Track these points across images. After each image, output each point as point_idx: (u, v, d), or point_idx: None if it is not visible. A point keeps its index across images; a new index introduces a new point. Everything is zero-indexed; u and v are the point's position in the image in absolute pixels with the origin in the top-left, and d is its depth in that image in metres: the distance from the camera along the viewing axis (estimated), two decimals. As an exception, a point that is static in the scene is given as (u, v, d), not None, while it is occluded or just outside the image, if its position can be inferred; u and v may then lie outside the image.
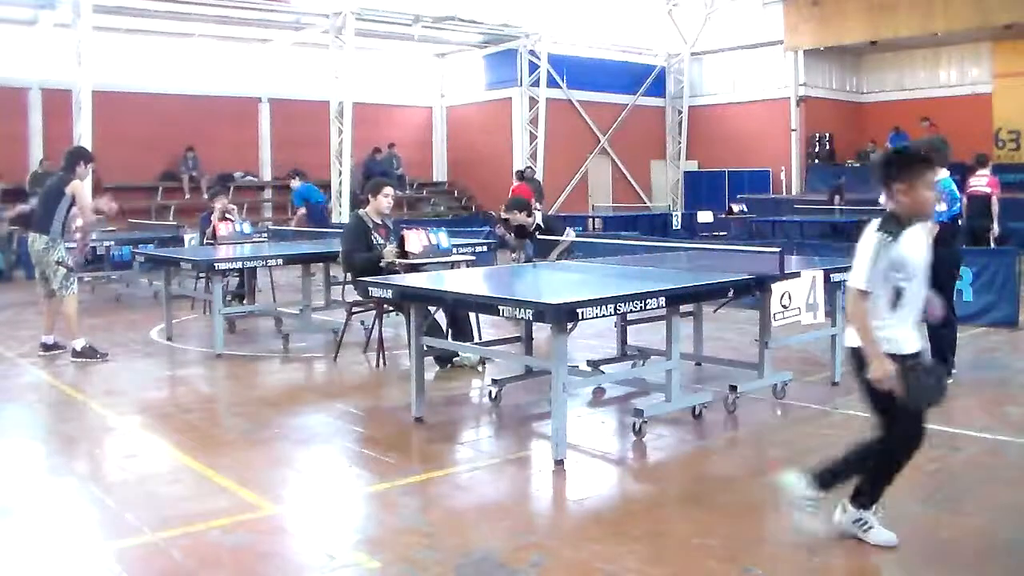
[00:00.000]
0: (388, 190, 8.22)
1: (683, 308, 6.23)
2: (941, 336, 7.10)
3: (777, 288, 6.06)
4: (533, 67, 23.52)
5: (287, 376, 8.08)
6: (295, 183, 14.96)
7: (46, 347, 8.63)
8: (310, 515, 4.59)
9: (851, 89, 26.54)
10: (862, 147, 25.19)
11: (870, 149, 24.59)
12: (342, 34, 20.22)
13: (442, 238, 8.27)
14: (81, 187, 8.36)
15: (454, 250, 8.51)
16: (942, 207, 6.81)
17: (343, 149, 20.56)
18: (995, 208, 12.93)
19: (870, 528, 3.99)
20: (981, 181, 13.23)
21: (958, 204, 6.92)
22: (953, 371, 7.10)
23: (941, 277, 7.02)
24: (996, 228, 12.88)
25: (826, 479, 4.03)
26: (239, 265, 9.66)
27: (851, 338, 3.97)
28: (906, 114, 23.74)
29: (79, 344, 8.35)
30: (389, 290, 6.18)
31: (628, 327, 7.39)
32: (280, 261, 9.28)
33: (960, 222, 7.02)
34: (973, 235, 12.49)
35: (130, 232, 14.91)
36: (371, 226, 8.05)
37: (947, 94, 24.10)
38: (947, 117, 21.69)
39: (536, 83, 23.55)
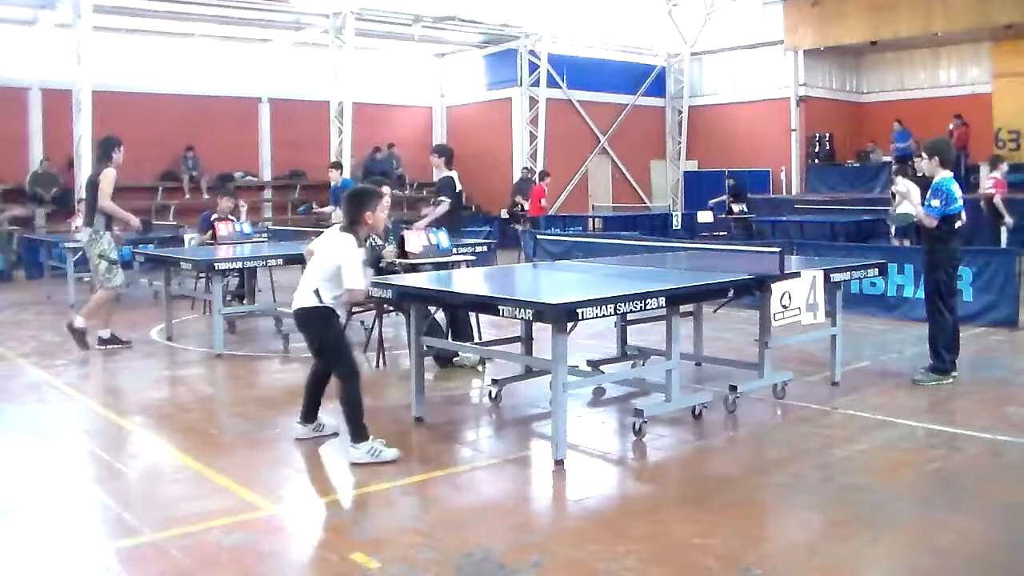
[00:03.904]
0: (384, 190, 8.18)
1: (683, 308, 6.23)
2: (931, 334, 7.13)
3: (777, 288, 6.06)
4: (533, 67, 23.51)
5: (287, 376, 8.08)
6: (339, 175, 14.37)
7: (103, 341, 8.85)
8: (310, 515, 4.59)
9: (851, 89, 26.52)
10: (862, 147, 25.19)
11: (870, 149, 24.60)
12: (342, 34, 20.21)
13: (442, 238, 8.28)
14: (109, 176, 8.63)
15: (454, 250, 8.52)
16: (936, 203, 6.89)
17: (343, 149, 20.56)
18: (999, 205, 14.00)
19: None
20: (987, 183, 14.39)
21: (956, 204, 6.93)
22: (954, 373, 7.11)
23: (939, 274, 7.07)
24: (1009, 220, 13.87)
25: None
26: (239, 265, 9.66)
27: None
28: (906, 114, 23.71)
29: (105, 333, 8.77)
30: (389, 290, 6.18)
31: (628, 327, 7.39)
32: (280, 261, 9.28)
33: (959, 224, 7.02)
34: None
35: (130, 232, 14.87)
36: (370, 227, 8.03)
37: (947, 94, 24.05)
38: (947, 117, 21.68)
39: (536, 83, 23.53)
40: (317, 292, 5.30)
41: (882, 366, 7.85)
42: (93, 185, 8.76)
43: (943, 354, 7.07)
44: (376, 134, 22.63)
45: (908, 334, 9.00)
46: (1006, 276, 9.68)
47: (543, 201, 18.26)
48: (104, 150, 8.89)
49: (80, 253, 13.29)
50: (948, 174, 6.98)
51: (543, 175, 19.09)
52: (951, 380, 7.04)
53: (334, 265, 5.26)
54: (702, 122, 26.71)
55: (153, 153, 20.16)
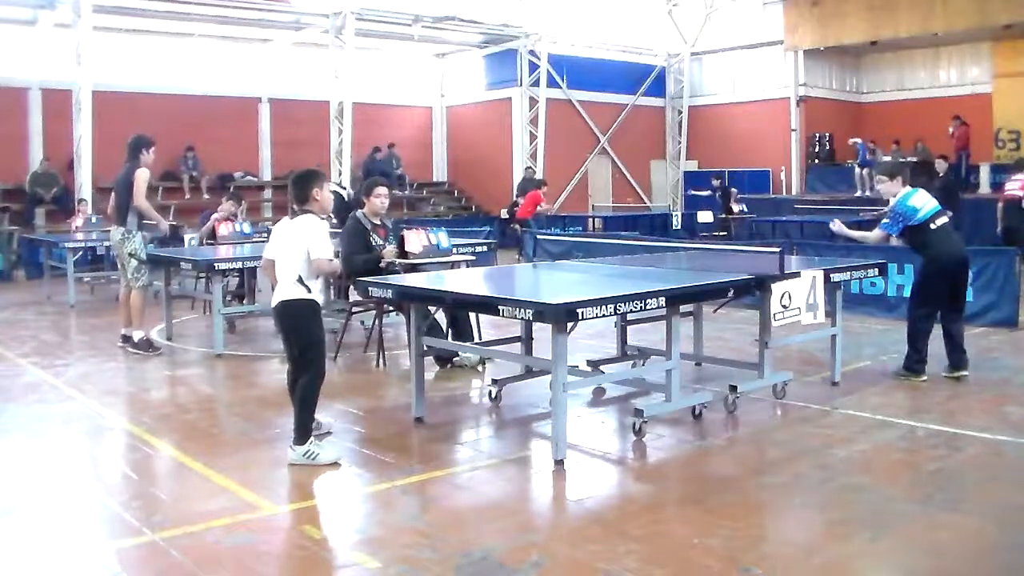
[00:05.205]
0: (381, 190, 8.18)
1: (683, 308, 6.23)
2: (909, 331, 7.18)
3: (777, 288, 6.06)
4: (533, 67, 23.51)
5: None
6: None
7: (126, 338, 8.84)
8: (310, 515, 4.59)
9: (851, 89, 26.53)
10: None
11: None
12: (342, 34, 20.22)
13: (442, 238, 8.28)
14: (142, 175, 8.60)
15: (454, 250, 8.52)
16: (887, 221, 7.05)
17: (343, 149, 20.57)
18: None
19: None
20: (1015, 185, 13.69)
21: (919, 214, 7.00)
22: (958, 373, 7.13)
23: (925, 274, 7.10)
24: None
25: None
26: (239, 265, 9.65)
27: None
28: (906, 114, 23.70)
29: (137, 336, 8.67)
30: (389, 290, 6.18)
31: (628, 327, 7.39)
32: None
33: (935, 225, 7.06)
34: (1008, 236, 13.00)
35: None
36: (369, 227, 8.03)
37: (947, 94, 24.07)
38: (947, 117, 21.67)
39: (536, 83, 23.54)
40: (301, 280, 5.20)
41: (882, 366, 7.84)
42: (126, 184, 8.60)
43: (913, 353, 7.13)
44: (376, 134, 22.64)
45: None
46: (1006, 276, 9.68)
47: (539, 206, 18.24)
48: (133, 150, 8.75)
49: (80, 253, 13.33)
50: (907, 190, 7.08)
51: (541, 183, 19.10)
52: (925, 379, 7.08)
53: (304, 248, 5.21)
54: (702, 122, 26.71)
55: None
